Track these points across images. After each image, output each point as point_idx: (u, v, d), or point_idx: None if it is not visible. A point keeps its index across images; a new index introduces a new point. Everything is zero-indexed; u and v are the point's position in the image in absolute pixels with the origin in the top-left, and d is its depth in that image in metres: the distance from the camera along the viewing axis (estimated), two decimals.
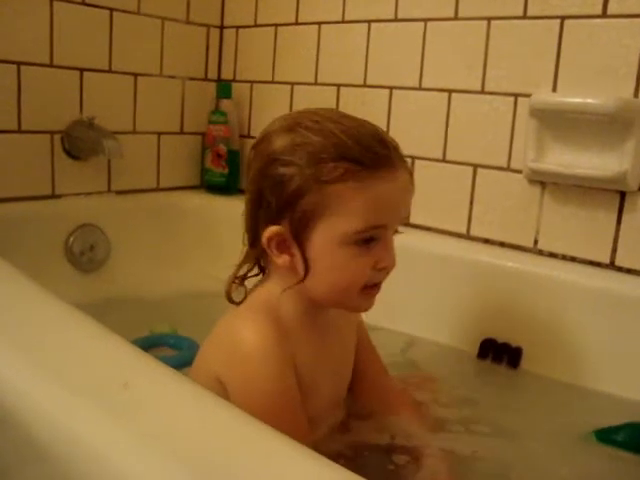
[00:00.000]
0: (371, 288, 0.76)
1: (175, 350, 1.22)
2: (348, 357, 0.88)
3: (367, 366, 0.90)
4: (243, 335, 0.73)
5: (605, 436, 0.96)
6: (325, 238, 0.72)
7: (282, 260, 0.76)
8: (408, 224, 1.42)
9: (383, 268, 0.75)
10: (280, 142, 0.74)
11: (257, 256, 0.81)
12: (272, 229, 0.74)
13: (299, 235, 0.74)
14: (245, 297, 0.80)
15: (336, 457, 0.56)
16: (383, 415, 0.85)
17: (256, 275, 0.83)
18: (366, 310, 0.80)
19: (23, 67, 1.39)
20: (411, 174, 0.77)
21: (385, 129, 1.43)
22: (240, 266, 0.81)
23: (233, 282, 0.80)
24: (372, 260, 0.74)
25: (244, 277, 0.81)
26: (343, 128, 0.72)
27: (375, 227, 0.73)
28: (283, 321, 0.76)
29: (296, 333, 0.77)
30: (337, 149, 0.71)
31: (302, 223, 0.73)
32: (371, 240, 0.73)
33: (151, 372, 0.66)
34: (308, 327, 0.79)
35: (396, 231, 0.78)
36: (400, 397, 0.89)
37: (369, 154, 0.71)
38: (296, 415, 0.72)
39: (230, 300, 0.80)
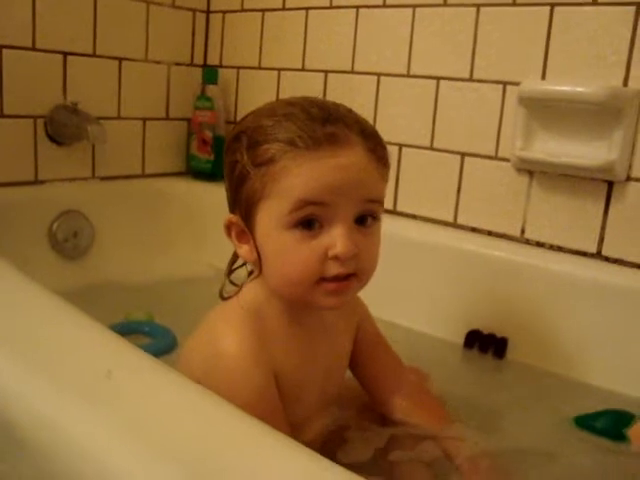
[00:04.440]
0: (330, 282, 0.69)
1: (149, 338, 1.21)
2: (339, 355, 0.84)
3: (376, 361, 0.87)
4: (223, 347, 0.71)
5: (584, 422, 0.97)
6: (266, 222, 0.70)
7: (243, 251, 0.75)
8: (395, 212, 1.42)
9: (334, 257, 0.68)
10: (234, 130, 0.74)
11: None
12: (227, 217, 0.75)
13: (248, 223, 0.72)
14: (235, 293, 0.78)
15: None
16: (400, 413, 0.85)
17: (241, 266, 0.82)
18: (332, 308, 0.74)
19: (5, 50, 1.37)
20: (375, 152, 0.71)
21: (372, 116, 1.44)
22: (231, 260, 0.81)
23: (229, 274, 0.80)
24: (321, 247, 0.68)
25: (231, 271, 0.80)
26: (289, 111, 0.70)
27: (311, 203, 0.67)
28: (265, 323, 0.75)
29: (279, 335, 0.75)
30: (272, 131, 0.69)
31: (247, 210, 0.71)
32: (313, 222, 0.68)
33: (135, 361, 0.65)
34: (292, 326, 0.76)
35: (371, 217, 0.72)
36: (415, 394, 0.88)
37: (304, 134, 0.67)
38: (278, 424, 0.69)
39: (221, 296, 0.78)
